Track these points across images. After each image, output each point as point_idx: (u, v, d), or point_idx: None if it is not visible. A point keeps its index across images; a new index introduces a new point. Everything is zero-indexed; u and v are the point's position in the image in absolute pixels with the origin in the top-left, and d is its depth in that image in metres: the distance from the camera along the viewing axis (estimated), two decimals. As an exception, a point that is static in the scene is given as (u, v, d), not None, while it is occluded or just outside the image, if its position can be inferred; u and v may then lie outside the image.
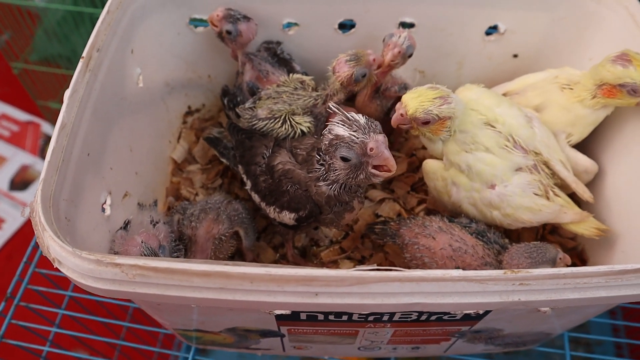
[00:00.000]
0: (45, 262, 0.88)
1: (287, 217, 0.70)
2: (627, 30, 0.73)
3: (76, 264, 0.51)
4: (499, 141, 0.71)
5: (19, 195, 1.86)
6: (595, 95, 0.72)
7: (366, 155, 0.57)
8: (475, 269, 0.70)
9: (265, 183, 0.72)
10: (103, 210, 0.67)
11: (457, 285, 0.50)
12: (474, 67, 0.89)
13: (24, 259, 0.89)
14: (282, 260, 0.82)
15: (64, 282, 0.92)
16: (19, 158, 1.92)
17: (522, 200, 0.71)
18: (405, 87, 0.84)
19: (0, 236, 1.74)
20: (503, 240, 0.73)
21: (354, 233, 0.83)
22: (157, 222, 0.70)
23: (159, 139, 0.88)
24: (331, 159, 0.61)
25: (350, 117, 0.58)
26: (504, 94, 0.82)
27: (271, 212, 0.72)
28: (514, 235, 0.83)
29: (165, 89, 0.87)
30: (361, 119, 0.58)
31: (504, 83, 0.84)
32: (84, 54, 0.65)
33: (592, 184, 0.78)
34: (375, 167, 0.58)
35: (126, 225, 0.69)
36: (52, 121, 1.84)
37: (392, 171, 0.58)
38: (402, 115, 0.70)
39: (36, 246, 0.89)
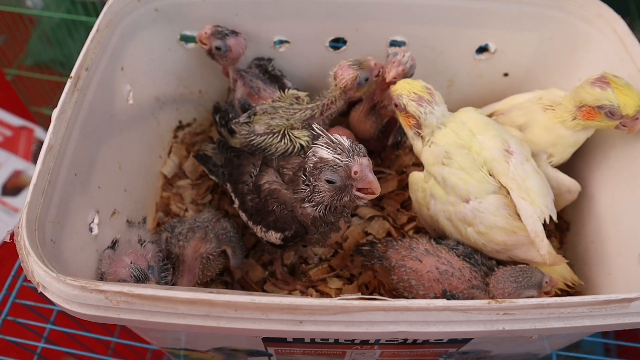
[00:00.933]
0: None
1: (274, 236, 0.70)
2: (615, 53, 0.73)
3: (60, 290, 0.51)
4: (473, 164, 0.70)
5: (10, 200, 1.85)
6: (575, 116, 0.72)
7: (350, 178, 0.57)
8: (462, 292, 0.70)
9: (252, 202, 0.71)
10: (91, 229, 0.67)
11: (442, 314, 0.50)
12: (465, 85, 0.89)
13: (12, 273, 0.88)
14: (271, 277, 0.81)
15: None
16: (11, 163, 1.91)
17: (495, 219, 0.70)
18: None
19: (-9, 243, 1.73)
20: (490, 262, 0.73)
21: (343, 251, 0.83)
22: (145, 242, 0.70)
23: (150, 154, 0.87)
24: (315, 181, 0.61)
25: (335, 140, 0.58)
26: (492, 114, 0.83)
27: (258, 231, 0.72)
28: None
29: (156, 104, 0.87)
30: (345, 141, 0.58)
31: (493, 103, 0.84)
32: (72, 73, 0.65)
33: (580, 206, 0.79)
34: (359, 189, 0.59)
35: (114, 244, 0.69)
36: (46, 127, 1.83)
37: (376, 194, 0.58)
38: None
39: (25, 260, 0.89)
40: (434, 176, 0.73)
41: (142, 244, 0.69)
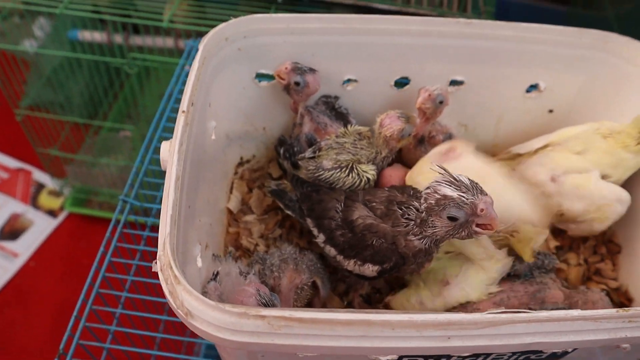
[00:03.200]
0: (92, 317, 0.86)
1: (370, 269, 0.72)
2: (660, 89, 0.82)
3: (216, 318, 0.51)
4: None
5: (8, 245, 1.78)
6: (639, 141, 0.80)
7: (475, 215, 0.61)
8: (529, 305, 0.75)
9: (344, 237, 0.74)
10: (196, 261, 0.68)
11: (575, 324, 0.54)
12: (512, 121, 0.96)
13: (74, 313, 0.86)
14: (349, 308, 0.83)
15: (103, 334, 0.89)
16: (9, 207, 1.85)
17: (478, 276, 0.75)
18: (450, 136, 0.90)
19: (-9, 288, 1.65)
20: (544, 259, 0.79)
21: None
22: (247, 273, 0.71)
23: (220, 191, 0.89)
24: (432, 216, 0.64)
25: (457, 178, 0.62)
26: (546, 145, 0.90)
27: (350, 264, 0.74)
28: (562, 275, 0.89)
29: (226, 141, 0.89)
30: (465, 179, 0.62)
31: (544, 135, 0.91)
32: (184, 107, 0.67)
33: (632, 225, 0.85)
34: (478, 225, 0.63)
35: (215, 276, 0.70)
36: (51, 169, 1.79)
37: (495, 229, 0.62)
38: None
39: (85, 299, 0.87)
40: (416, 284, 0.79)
41: (244, 276, 0.70)
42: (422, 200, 0.65)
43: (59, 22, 1.67)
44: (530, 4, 2.22)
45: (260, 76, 0.88)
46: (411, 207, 0.69)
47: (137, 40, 1.53)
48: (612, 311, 0.55)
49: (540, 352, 0.65)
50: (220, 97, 0.82)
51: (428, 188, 0.64)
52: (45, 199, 1.92)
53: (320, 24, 0.82)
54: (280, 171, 0.97)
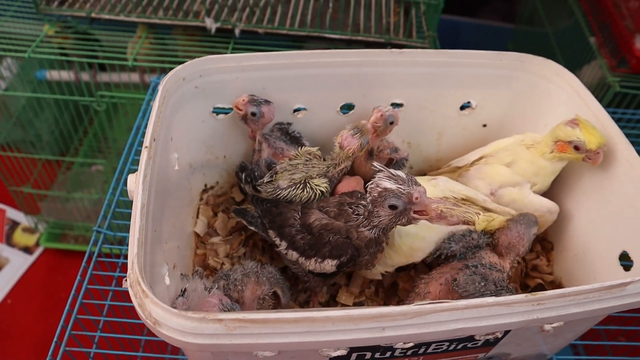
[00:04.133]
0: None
1: (329, 264, 0.81)
2: (573, 102, 0.93)
3: (179, 324, 0.59)
4: None
5: (-14, 285, 1.81)
6: (552, 150, 0.91)
7: (411, 202, 0.71)
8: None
9: (304, 240, 0.83)
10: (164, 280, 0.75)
11: (492, 309, 0.63)
12: (451, 136, 1.07)
13: (55, 339, 0.91)
14: (310, 314, 0.91)
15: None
16: (-15, 246, 1.88)
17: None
18: (396, 150, 1.00)
19: (-28, 329, 1.67)
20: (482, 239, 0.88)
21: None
22: (211, 288, 0.78)
23: (187, 216, 0.97)
24: (376, 207, 0.74)
25: (394, 173, 0.72)
26: (481, 157, 1.00)
27: (311, 264, 0.82)
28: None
29: (189, 170, 0.97)
30: (401, 174, 0.72)
31: (479, 148, 1.02)
32: (147, 143, 0.75)
33: (561, 226, 0.96)
34: (415, 212, 0.72)
35: (183, 292, 0.77)
36: (24, 206, 1.83)
37: (429, 215, 0.72)
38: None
39: (64, 325, 0.93)
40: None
41: (208, 290, 0.78)
42: (367, 194, 0.75)
43: (27, 62, 1.74)
44: (480, 23, 2.37)
45: (217, 109, 0.96)
46: (360, 205, 0.80)
47: (104, 77, 1.60)
48: (522, 296, 0.64)
49: (475, 339, 0.74)
50: (181, 131, 0.90)
51: (372, 183, 0.74)
52: (20, 236, 1.95)
53: (268, 61, 0.92)
54: (242, 195, 1.06)
